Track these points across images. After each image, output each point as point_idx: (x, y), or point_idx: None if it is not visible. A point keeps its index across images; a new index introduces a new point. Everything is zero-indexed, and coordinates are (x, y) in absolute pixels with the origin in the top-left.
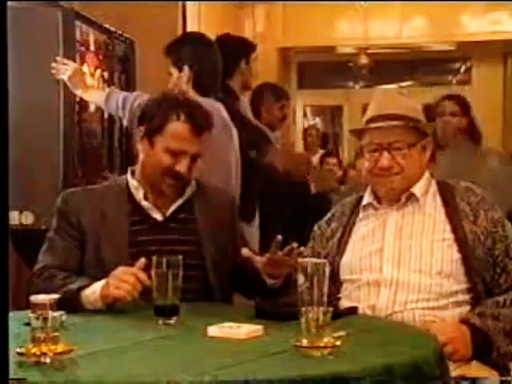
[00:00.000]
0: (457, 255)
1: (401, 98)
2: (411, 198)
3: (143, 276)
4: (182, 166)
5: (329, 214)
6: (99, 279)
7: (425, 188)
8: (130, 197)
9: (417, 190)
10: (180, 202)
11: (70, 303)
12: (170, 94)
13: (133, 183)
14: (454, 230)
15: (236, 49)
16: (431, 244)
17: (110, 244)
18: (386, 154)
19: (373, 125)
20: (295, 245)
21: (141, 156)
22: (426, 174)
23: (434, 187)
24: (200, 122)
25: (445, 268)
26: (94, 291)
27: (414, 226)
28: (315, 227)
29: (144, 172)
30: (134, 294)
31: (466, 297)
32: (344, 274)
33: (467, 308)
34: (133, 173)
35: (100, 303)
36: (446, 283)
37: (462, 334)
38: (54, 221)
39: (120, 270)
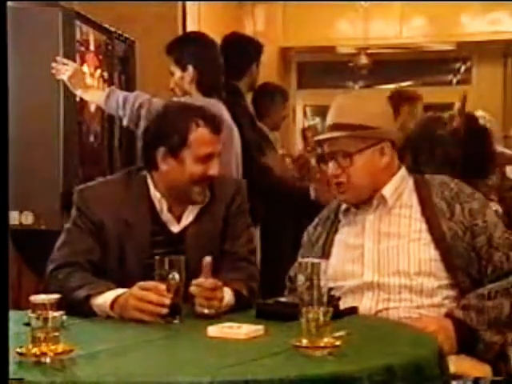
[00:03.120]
0: (434, 253)
1: (354, 103)
2: (384, 200)
3: (165, 299)
4: (213, 169)
5: (316, 219)
6: (120, 283)
7: (396, 188)
8: (151, 205)
9: (386, 191)
10: (195, 212)
11: (80, 309)
12: (173, 106)
13: (156, 194)
14: (431, 229)
15: (249, 52)
16: (408, 244)
17: (135, 254)
18: (332, 162)
19: (316, 138)
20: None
21: (163, 171)
22: (400, 173)
23: (410, 186)
24: (215, 122)
25: (423, 267)
26: (105, 301)
27: (391, 227)
28: (305, 233)
29: (170, 186)
30: (155, 317)
31: (451, 293)
32: (329, 282)
33: (453, 304)
34: (152, 181)
35: (111, 314)
36: (427, 282)
37: (444, 327)
38: (72, 214)
39: (140, 288)
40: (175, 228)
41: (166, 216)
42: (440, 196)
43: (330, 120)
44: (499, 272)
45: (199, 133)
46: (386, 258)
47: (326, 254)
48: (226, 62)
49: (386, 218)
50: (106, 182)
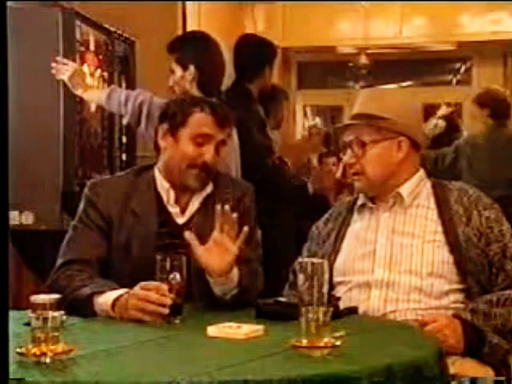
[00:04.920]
0: (448, 256)
1: (377, 95)
2: (401, 198)
3: (166, 299)
4: (208, 156)
5: (326, 215)
6: (125, 275)
7: (414, 189)
8: (157, 196)
9: (404, 190)
10: (198, 203)
11: (82, 307)
12: (190, 95)
13: (163, 185)
14: (446, 232)
15: (262, 54)
16: (422, 245)
17: (141, 244)
18: (348, 151)
19: (336, 125)
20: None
21: (164, 153)
22: (418, 174)
23: (428, 188)
24: (222, 115)
25: (435, 269)
26: (106, 300)
27: (406, 226)
28: (313, 227)
29: (168, 168)
30: (155, 317)
31: (460, 297)
32: (337, 276)
33: (461, 308)
34: (159, 170)
35: (112, 314)
36: (438, 284)
37: (452, 323)
38: (80, 209)
39: (141, 289)
40: (180, 219)
41: (173, 207)
42: (458, 201)
43: (353, 110)
44: (510, 281)
45: (201, 116)
46: (398, 257)
47: (336, 248)
48: (238, 63)
49: (401, 217)
50: (116, 177)
